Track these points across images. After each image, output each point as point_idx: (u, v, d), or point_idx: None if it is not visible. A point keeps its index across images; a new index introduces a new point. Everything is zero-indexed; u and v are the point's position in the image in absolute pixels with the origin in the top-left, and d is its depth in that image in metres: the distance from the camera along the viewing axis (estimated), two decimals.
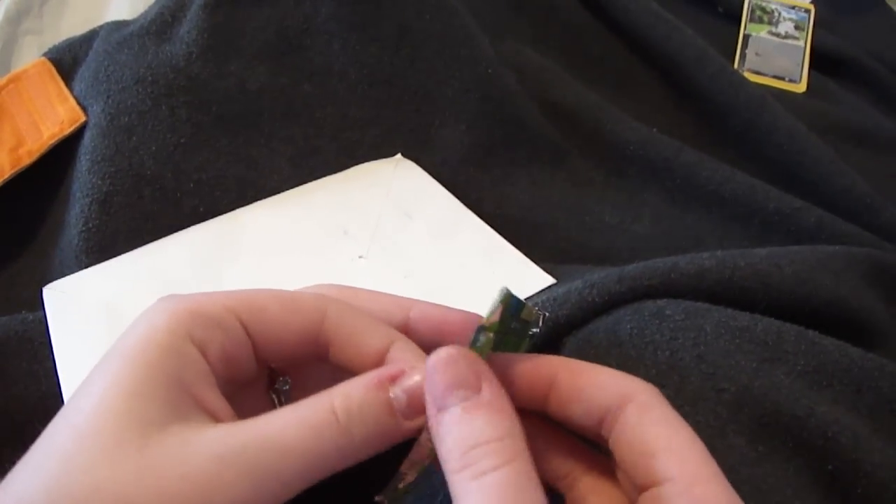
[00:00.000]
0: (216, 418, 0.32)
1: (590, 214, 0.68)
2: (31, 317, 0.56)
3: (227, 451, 0.30)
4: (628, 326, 0.48)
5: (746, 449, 0.44)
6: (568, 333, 0.49)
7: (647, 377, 0.44)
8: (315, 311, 0.36)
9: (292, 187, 0.64)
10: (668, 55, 0.78)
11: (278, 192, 0.63)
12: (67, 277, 0.58)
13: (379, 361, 0.36)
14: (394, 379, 0.33)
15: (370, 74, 0.69)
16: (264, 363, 0.37)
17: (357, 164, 0.66)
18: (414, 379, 0.33)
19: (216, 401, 0.33)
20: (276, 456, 0.30)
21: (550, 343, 0.49)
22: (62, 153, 0.65)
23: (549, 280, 0.56)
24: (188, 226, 0.61)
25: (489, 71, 0.70)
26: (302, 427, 0.31)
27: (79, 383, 0.33)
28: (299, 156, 0.66)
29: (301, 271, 0.57)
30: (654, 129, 0.73)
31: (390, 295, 0.40)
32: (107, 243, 0.59)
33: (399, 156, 0.67)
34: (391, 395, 0.32)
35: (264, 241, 0.59)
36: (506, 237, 0.60)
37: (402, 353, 0.36)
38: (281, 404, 0.39)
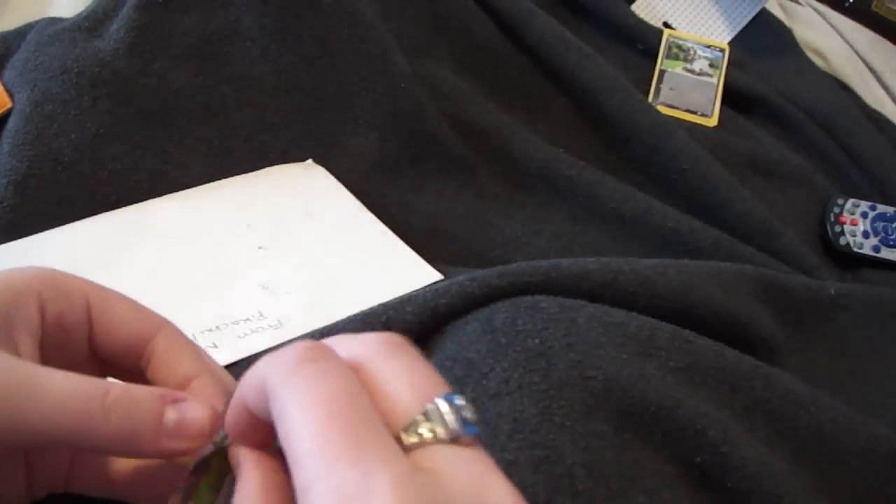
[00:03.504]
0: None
1: (492, 227, 0.71)
2: None
3: (4, 376, 0.31)
4: (503, 316, 0.50)
5: (612, 436, 0.45)
6: (446, 322, 0.51)
7: (516, 361, 0.46)
8: (153, 324, 0.39)
9: (204, 183, 0.66)
10: (580, 81, 0.82)
11: (190, 187, 0.65)
12: None
13: (183, 387, 0.38)
14: (175, 400, 0.34)
15: (287, 81, 0.72)
16: (96, 353, 0.39)
17: (268, 166, 0.69)
18: (191, 409, 0.34)
19: (28, 347, 0.35)
20: (32, 396, 0.31)
21: (430, 330, 0.51)
22: None
23: (436, 276, 0.58)
24: (101, 212, 0.62)
25: (402, 86, 0.73)
26: (70, 388, 0.32)
27: None
28: (213, 154, 0.68)
29: (202, 259, 0.59)
30: (562, 151, 0.76)
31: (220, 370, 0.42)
32: (20, 223, 0.61)
33: (309, 161, 0.69)
34: (166, 411, 0.34)
35: (170, 231, 0.61)
36: (408, 244, 0.63)
37: (202, 387, 0.38)
38: None
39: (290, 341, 0.51)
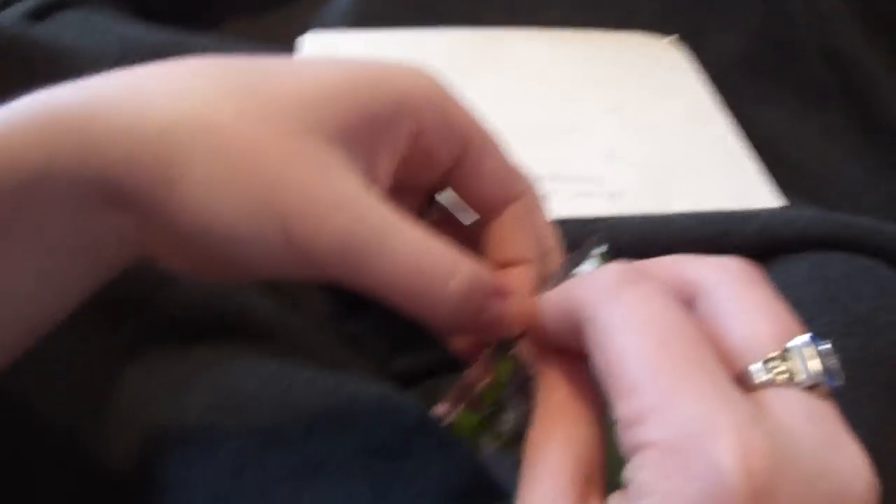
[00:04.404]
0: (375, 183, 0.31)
1: (833, 166, 0.67)
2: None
3: (356, 225, 0.28)
4: (839, 268, 0.47)
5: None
6: (778, 253, 0.50)
7: (839, 320, 0.45)
8: (519, 189, 0.35)
9: (561, 29, 0.64)
10: None
11: (545, 29, 0.64)
12: (331, 31, 0.61)
13: (510, 265, 0.34)
14: (503, 295, 0.31)
15: None
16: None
17: (629, 30, 0.66)
18: (510, 307, 0.31)
19: (384, 172, 0.31)
20: (375, 254, 0.28)
21: (758, 256, 0.50)
22: None
23: (777, 203, 0.55)
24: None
25: None
26: (416, 259, 0.29)
27: None
28: (574, 4, 0.67)
29: (551, 104, 0.58)
30: None
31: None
32: (373, 15, 0.61)
33: (675, 37, 0.67)
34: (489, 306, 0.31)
35: (523, 66, 0.61)
36: None
37: (522, 277, 0.34)
38: None
39: (625, 217, 0.50)
